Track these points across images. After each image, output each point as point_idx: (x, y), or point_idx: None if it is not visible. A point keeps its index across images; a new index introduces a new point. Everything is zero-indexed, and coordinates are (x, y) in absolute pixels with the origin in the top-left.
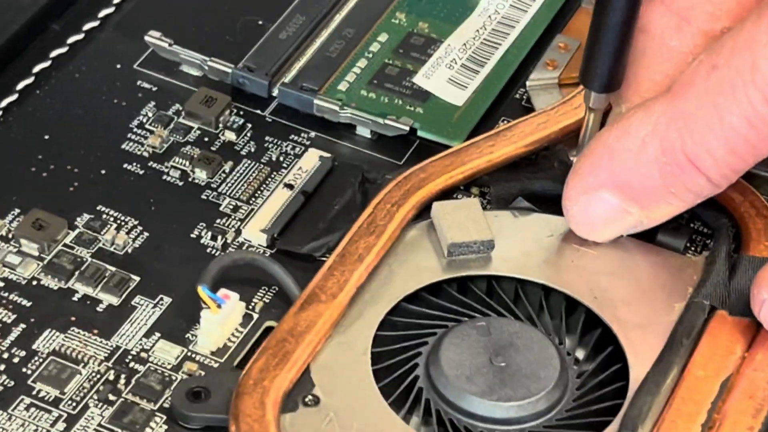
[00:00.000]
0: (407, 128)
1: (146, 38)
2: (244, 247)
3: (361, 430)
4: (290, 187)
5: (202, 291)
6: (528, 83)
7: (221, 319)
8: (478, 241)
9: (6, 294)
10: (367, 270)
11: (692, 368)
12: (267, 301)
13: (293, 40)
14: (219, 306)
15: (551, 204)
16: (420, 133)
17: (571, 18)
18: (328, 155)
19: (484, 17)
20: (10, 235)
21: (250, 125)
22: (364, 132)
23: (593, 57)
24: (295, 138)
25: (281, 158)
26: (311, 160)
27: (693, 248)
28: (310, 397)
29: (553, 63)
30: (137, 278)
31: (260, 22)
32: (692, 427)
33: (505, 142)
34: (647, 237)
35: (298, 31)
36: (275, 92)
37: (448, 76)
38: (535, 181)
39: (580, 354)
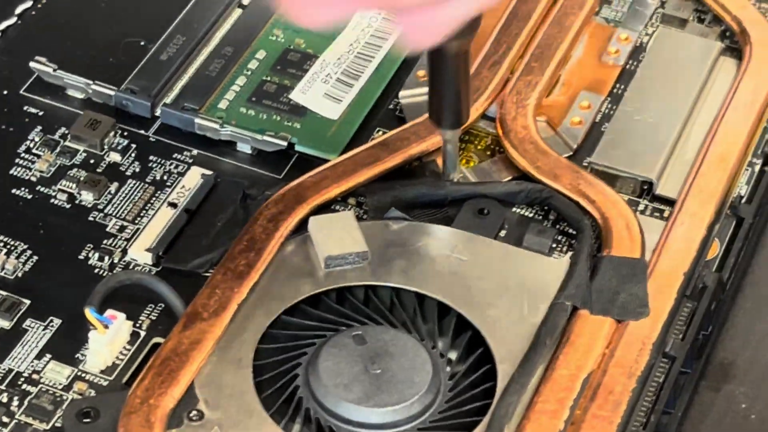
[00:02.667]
0: (285, 143)
1: (31, 64)
2: (131, 266)
3: None
4: (174, 205)
5: (89, 313)
6: (400, 94)
7: (109, 339)
8: (353, 253)
9: None
10: (247, 286)
11: (556, 367)
12: (154, 318)
13: (174, 61)
14: (106, 326)
15: (424, 213)
16: (298, 148)
17: None
18: (210, 173)
19: (357, 31)
20: None
21: (134, 146)
22: (244, 148)
23: (437, 103)
24: (178, 156)
25: (165, 177)
26: (194, 178)
27: (559, 249)
28: (194, 412)
29: (424, 75)
30: (27, 301)
31: (142, 43)
32: (556, 423)
33: (379, 155)
34: (516, 241)
35: (179, 51)
36: (158, 113)
37: (324, 90)
38: (408, 190)
39: (453, 356)
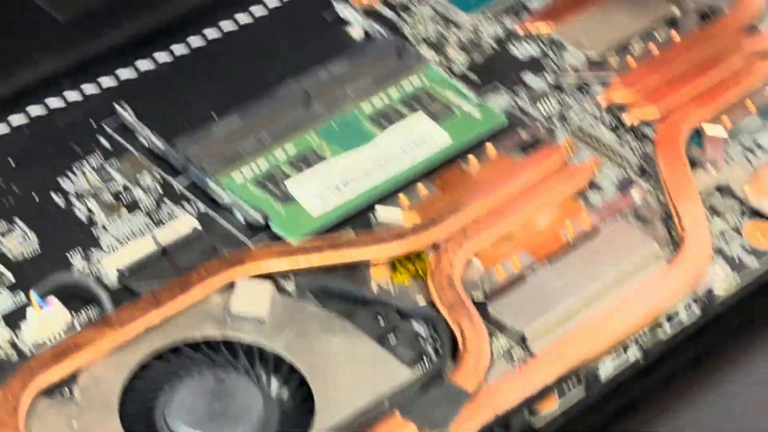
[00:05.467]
0: (263, 221)
1: (116, 106)
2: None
3: None
4: (157, 243)
5: (32, 293)
6: (377, 207)
7: (42, 320)
8: (252, 316)
9: None
10: (158, 316)
11: None
12: (94, 319)
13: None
14: (41, 308)
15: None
16: (272, 225)
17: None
18: (199, 228)
19: (373, 150)
20: None
21: (159, 189)
22: (239, 216)
23: None
24: (186, 206)
25: (165, 218)
26: (188, 224)
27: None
28: (68, 392)
29: (404, 200)
30: (9, 273)
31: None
32: None
33: (331, 251)
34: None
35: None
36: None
37: (317, 190)
38: (335, 282)
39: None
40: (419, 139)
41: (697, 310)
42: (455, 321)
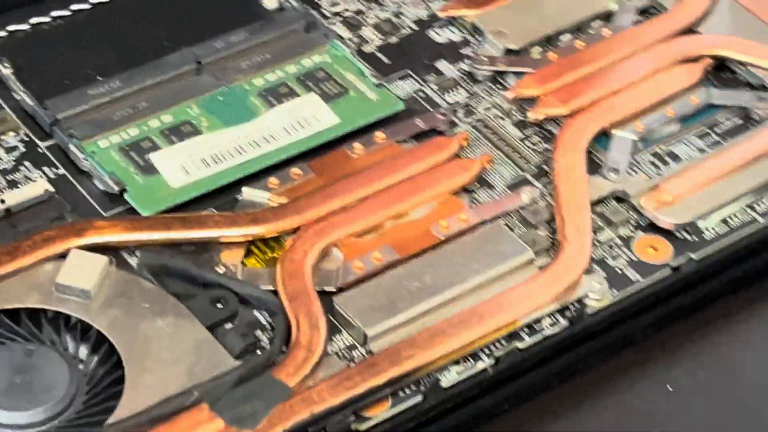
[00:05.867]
0: (117, 189)
1: None
2: None
3: None
4: (2, 201)
5: None
6: (243, 189)
7: None
8: (79, 288)
9: None
10: None
11: None
12: None
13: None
14: None
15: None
16: (126, 196)
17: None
18: (51, 189)
19: (254, 127)
20: None
21: (23, 149)
22: (98, 184)
23: None
24: (45, 169)
25: (21, 180)
26: (40, 188)
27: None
28: None
29: (276, 183)
30: None
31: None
32: None
33: (177, 226)
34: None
35: (108, 92)
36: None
37: (182, 162)
38: (178, 261)
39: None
40: (305, 119)
41: (564, 322)
42: (294, 312)
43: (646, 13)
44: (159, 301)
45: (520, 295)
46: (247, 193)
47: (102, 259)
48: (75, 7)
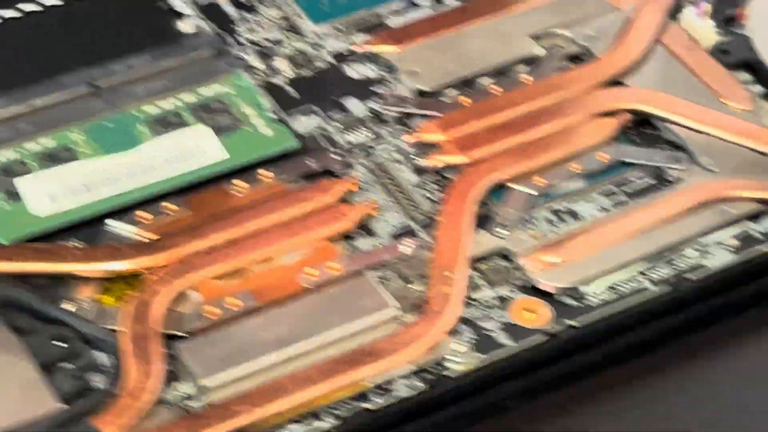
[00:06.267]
0: None
1: None
2: None
3: None
4: None
5: None
6: (107, 221)
7: None
8: None
9: None
10: None
11: None
12: None
13: None
14: None
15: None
16: None
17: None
18: None
19: (134, 156)
20: None
21: None
22: None
23: None
24: None
25: None
26: None
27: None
28: None
29: (145, 218)
30: None
31: None
32: None
33: (34, 257)
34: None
35: None
36: None
37: (49, 190)
38: (21, 294)
39: None
40: (190, 152)
41: (421, 384)
42: (132, 356)
43: (577, 59)
44: None
45: (373, 353)
46: (113, 225)
47: None
48: None
